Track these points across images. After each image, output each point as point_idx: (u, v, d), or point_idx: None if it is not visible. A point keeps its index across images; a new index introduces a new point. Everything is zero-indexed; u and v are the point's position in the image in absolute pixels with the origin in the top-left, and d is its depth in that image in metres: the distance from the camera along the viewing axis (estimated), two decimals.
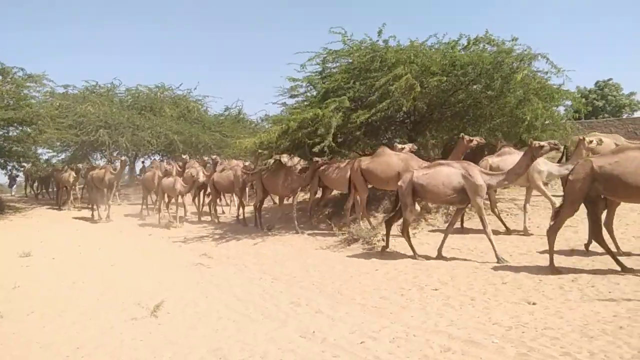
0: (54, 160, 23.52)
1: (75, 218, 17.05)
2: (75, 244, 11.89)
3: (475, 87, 11.98)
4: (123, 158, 16.14)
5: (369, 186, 11.03)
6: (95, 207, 16.28)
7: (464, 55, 11.29)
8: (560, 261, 7.10)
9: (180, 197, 14.13)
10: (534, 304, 5.57)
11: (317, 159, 11.32)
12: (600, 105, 30.35)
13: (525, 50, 11.32)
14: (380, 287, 6.82)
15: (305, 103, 13.47)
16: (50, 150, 22.70)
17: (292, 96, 13.60)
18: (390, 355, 4.46)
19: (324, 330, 5.25)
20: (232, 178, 13.94)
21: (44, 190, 23.94)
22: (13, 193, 25.73)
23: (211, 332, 5.47)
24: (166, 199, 14.97)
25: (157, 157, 26.74)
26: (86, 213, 17.51)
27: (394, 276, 7.40)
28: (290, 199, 12.77)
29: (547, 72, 12.00)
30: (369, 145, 13.32)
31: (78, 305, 6.86)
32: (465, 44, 12.07)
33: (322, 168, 11.71)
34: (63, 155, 24.06)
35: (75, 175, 18.90)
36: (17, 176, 25.86)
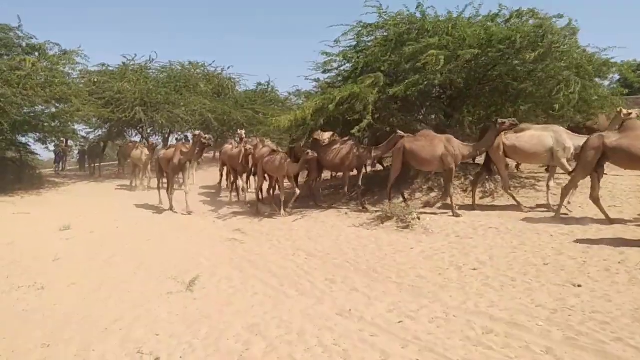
0: (91, 137, 23.96)
1: (115, 192, 17.33)
2: (112, 218, 12.07)
3: (515, 62, 11.52)
4: (197, 132, 12.97)
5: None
6: (166, 191, 13.34)
7: (503, 29, 10.82)
8: (604, 243, 6.85)
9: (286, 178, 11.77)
10: (579, 286, 5.36)
11: (502, 120, 9.57)
12: None
13: (568, 23, 10.83)
14: (416, 266, 6.68)
15: (339, 78, 13.29)
16: (87, 127, 22.98)
17: (325, 71, 13.38)
18: (430, 336, 4.34)
19: (361, 308, 5.16)
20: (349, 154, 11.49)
21: (91, 165, 24.01)
22: (59, 169, 24.87)
23: (247, 307, 5.46)
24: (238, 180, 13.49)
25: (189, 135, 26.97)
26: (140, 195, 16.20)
27: (430, 255, 7.24)
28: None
29: (578, 48, 11.52)
30: (404, 121, 13.04)
31: (115, 279, 6.97)
32: (508, 16, 11.61)
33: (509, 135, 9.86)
34: (100, 132, 24.44)
35: (148, 152, 17.42)
36: (67, 151, 25.73)
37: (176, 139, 25.08)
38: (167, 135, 24.86)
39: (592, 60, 11.39)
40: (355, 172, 12.02)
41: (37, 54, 17.56)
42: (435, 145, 9.99)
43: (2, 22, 17.14)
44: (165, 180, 13.46)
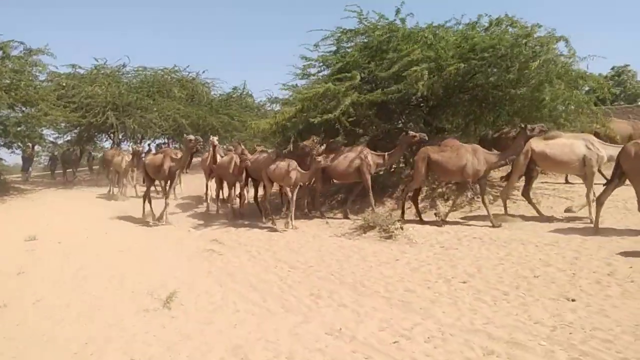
0: (59, 142, 23.14)
1: (86, 199, 16.61)
2: (81, 227, 11.54)
3: (494, 70, 11.51)
4: (190, 137, 11.43)
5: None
6: (148, 203, 12.35)
7: (485, 38, 10.80)
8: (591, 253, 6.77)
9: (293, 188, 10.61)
10: (573, 300, 5.20)
11: (531, 126, 9.31)
12: (617, 92, 29.64)
13: (548, 32, 10.83)
14: (404, 279, 6.45)
15: (317, 84, 13.09)
16: (55, 132, 22.16)
17: (303, 76, 13.17)
18: (428, 358, 4.09)
19: (351, 326, 4.87)
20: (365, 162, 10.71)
21: (65, 171, 22.84)
22: (27, 177, 23.42)
23: (229, 326, 5.09)
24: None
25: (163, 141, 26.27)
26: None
27: (417, 267, 7.03)
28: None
29: (570, 57, 11.52)
30: (382, 128, 12.91)
31: (85, 294, 6.49)
32: (487, 25, 11.59)
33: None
34: (69, 137, 23.65)
35: (128, 159, 16.20)
36: (33, 156, 24.52)
37: (148, 144, 24.43)
38: (139, 141, 24.25)
39: (570, 71, 11.43)
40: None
41: (0, 51, 16.79)
42: (461, 155, 9.61)
43: None
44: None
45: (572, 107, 11.33)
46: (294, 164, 10.55)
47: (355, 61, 11.35)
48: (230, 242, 9.51)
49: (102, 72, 22.75)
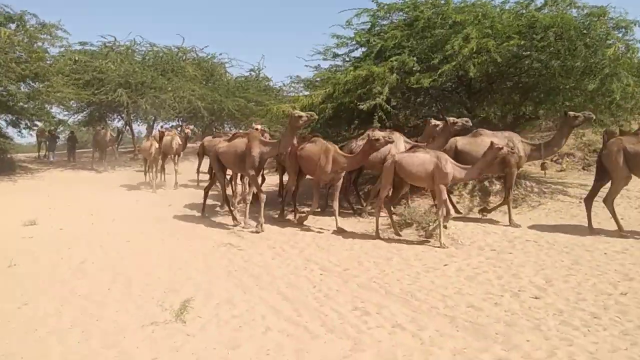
0: (69, 121, 22.01)
1: (96, 185, 15.54)
2: (87, 212, 10.59)
3: (550, 55, 10.31)
4: (298, 112, 8.61)
5: None
6: (223, 200, 10.14)
7: (545, 17, 9.59)
8: None
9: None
10: None
11: None
12: None
13: (620, 16, 9.61)
14: (462, 291, 5.40)
15: (347, 64, 12.00)
16: (65, 111, 21.06)
17: (334, 56, 12.07)
18: None
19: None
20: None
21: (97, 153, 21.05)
22: (52, 158, 21.25)
23: (261, 353, 3.96)
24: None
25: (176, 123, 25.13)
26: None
27: (471, 275, 6.00)
28: None
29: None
30: (419, 114, 11.80)
31: (84, 297, 5.39)
32: (542, 3, 10.39)
33: None
34: (79, 116, 22.66)
35: (157, 145, 13.88)
36: (58, 138, 22.68)
37: (160, 126, 23.21)
38: (151, 123, 23.29)
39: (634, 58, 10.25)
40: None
41: (12, 25, 15.92)
42: None
43: None
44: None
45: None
46: (444, 156, 7.72)
47: (398, 42, 10.20)
48: (250, 236, 8.49)
49: (114, 49, 21.67)
